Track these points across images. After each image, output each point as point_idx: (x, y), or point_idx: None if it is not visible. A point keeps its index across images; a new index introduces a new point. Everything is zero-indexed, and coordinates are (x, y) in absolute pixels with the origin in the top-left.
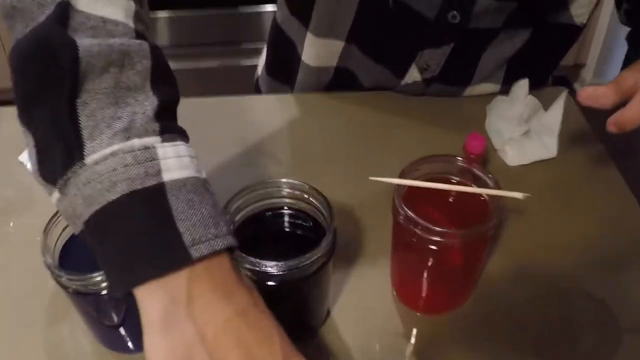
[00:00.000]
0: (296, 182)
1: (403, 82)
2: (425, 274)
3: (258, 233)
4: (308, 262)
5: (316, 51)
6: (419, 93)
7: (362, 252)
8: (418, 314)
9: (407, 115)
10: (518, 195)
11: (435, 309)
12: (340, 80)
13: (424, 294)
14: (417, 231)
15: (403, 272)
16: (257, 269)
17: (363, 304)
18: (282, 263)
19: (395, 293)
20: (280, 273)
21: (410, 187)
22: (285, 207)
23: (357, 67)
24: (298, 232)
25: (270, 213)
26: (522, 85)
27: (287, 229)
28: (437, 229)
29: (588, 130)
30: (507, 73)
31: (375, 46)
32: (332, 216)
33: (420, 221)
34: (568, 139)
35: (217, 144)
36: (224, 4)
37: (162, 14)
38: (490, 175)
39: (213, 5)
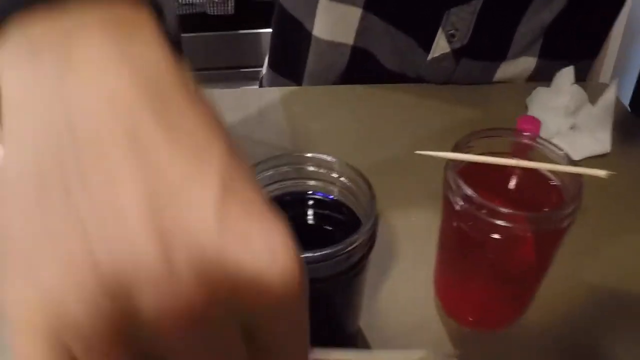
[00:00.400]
0: (325, 157)
1: (430, 57)
2: (480, 277)
3: None
4: (342, 254)
5: (330, 21)
6: (448, 73)
7: (397, 253)
8: (468, 329)
9: (430, 108)
10: (600, 173)
11: (490, 323)
12: (357, 65)
13: (477, 304)
14: (478, 214)
15: (452, 276)
16: None
17: (399, 317)
18: (306, 254)
19: (439, 303)
20: (307, 266)
21: (463, 169)
22: (310, 192)
23: (377, 44)
24: (325, 226)
25: (288, 198)
26: (566, 73)
27: (310, 221)
28: (505, 210)
29: (638, 123)
30: (545, 45)
31: (396, 10)
32: (373, 196)
33: (483, 201)
34: (618, 132)
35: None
36: (223, 27)
37: None
38: (563, 152)
39: (213, 29)
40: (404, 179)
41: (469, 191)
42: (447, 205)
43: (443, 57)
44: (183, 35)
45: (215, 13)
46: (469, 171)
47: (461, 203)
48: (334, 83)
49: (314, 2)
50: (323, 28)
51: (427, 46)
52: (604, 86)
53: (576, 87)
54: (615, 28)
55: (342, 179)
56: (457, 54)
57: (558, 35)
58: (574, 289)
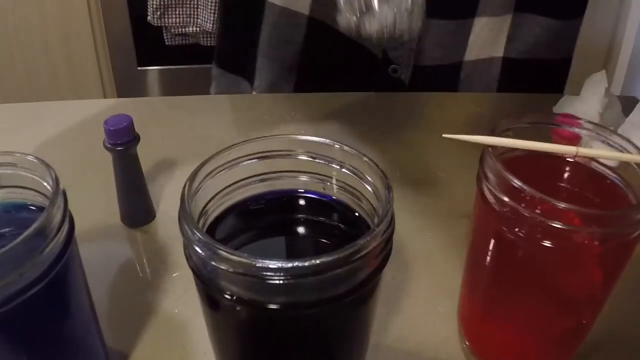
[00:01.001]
0: (322, 140)
1: None
2: (523, 306)
3: (249, 237)
4: (345, 266)
5: None
6: (414, 41)
7: (411, 281)
8: None
9: (434, 115)
10: None
11: None
12: (315, 41)
13: (516, 342)
14: (530, 214)
15: (483, 306)
16: (253, 275)
17: (412, 357)
18: (293, 265)
19: (466, 342)
20: (291, 282)
21: (503, 161)
22: (301, 191)
23: (332, 21)
24: (320, 236)
25: (272, 198)
26: (598, 79)
27: (299, 229)
28: (572, 207)
29: None
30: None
31: None
32: (388, 187)
33: (539, 194)
34: None
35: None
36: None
37: (152, 69)
38: (632, 143)
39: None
40: (415, 191)
41: (517, 182)
42: (483, 206)
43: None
44: (177, 67)
45: (209, 44)
46: (510, 165)
47: (505, 199)
48: (290, 66)
49: None
50: None
51: None
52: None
53: (610, 94)
54: (624, 44)
55: (344, 170)
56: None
57: None
58: (636, 325)
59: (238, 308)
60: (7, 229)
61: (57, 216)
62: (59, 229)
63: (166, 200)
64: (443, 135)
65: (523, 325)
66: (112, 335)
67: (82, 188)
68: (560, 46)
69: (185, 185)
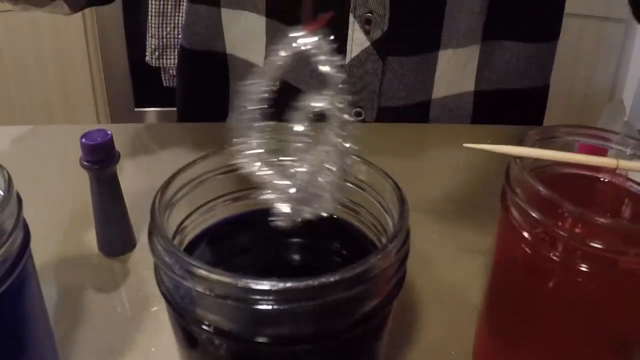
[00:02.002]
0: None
1: (348, 59)
2: (553, 348)
3: (234, 259)
4: (350, 290)
5: (239, 32)
6: (377, 84)
7: (418, 321)
8: None
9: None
10: None
11: None
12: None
13: None
14: (566, 232)
15: (505, 349)
16: (236, 299)
17: None
18: (294, 285)
19: None
20: (284, 309)
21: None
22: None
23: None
24: (319, 260)
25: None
26: (615, 108)
27: (294, 252)
28: (617, 222)
29: None
30: (488, 26)
31: (295, 5)
32: (402, 200)
33: (579, 210)
34: None
35: None
36: None
37: (149, 110)
38: None
39: None
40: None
41: (553, 195)
42: (509, 228)
43: (365, 56)
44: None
45: None
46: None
47: (536, 216)
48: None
49: (216, 19)
50: (234, 44)
51: (341, 43)
52: None
53: (629, 125)
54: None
55: (348, 184)
56: (381, 48)
57: (503, 10)
58: None
59: (218, 342)
60: None
61: (7, 222)
62: (9, 237)
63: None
64: (464, 144)
65: None
66: None
67: (57, 213)
68: (535, 73)
69: (156, 195)
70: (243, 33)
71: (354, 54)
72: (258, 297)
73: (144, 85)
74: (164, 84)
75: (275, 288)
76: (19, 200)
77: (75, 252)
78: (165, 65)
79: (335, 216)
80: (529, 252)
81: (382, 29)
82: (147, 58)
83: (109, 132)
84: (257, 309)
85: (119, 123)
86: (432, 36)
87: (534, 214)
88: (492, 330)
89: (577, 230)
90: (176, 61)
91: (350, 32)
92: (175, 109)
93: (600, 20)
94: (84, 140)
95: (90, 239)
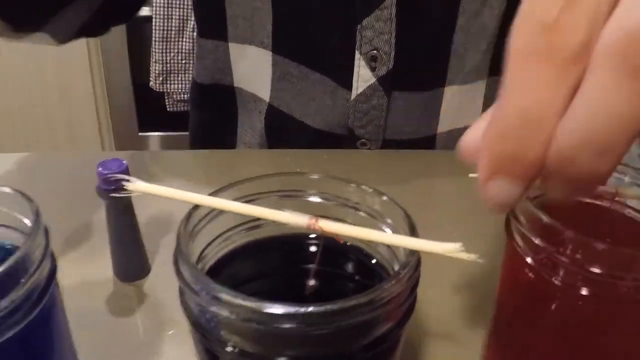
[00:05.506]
0: (336, 179)
1: (354, 95)
2: None
3: (254, 284)
4: (364, 314)
5: (247, 66)
6: (381, 118)
7: (426, 345)
8: None
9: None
10: None
11: None
12: (275, 129)
13: None
14: (567, 258)
15: None
16: (260, 323)
17: None
18: (316, 309)
19: None
20: (306, 331)
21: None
22: (312, 235)
23: (296, 99)
24: (335, 286)
25: (279, 243)
26: None
27: (311, 279)
28: (622, 251)
29: None
30: (495, 62)
31: (303, 41)
32: (414, 231)
33: (578, 236)
34: None
35: None
36: None
37: (153, 134)
38: None
39: None
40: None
41: (555, 224)
42: (513, 256)
43: (370, 92)
44: (178, 133)
45: None
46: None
47: (539, 243)
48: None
49: (224, 53)
50: (241, 77)
51: (346, 80)
52: None
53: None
54: None
55: (360, 212)
56: (387, 85)
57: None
58: None
59: None
60: None
61: (36, 253)
62: (37, 267)
63: (162, 255)
64: (470, 175)
65: None
66: None
67: (72, 240)
68: None
69: (181, 225)
70: (250, 67)
71: (360, 90)
72: (281, 320)
73: (148, 110)
74: (168, 109)
75: (298, 312)
76: (47, 233)
77: (90, 278)
78: (169, 90)
79: (348, 243)
80: (532, 277)
81: (388, 66)
82: (151, 83)
83: (124, 162)
84: (280, 331)
85: (123, 147)
86: (438, 73)
87: (536, 241)
88: (498, 349)
89: (577, 255)
90: (181, 86)
91: (356, 69)
92: (179, 133)
93: None
94: (100, 169)
95: (106, 264)
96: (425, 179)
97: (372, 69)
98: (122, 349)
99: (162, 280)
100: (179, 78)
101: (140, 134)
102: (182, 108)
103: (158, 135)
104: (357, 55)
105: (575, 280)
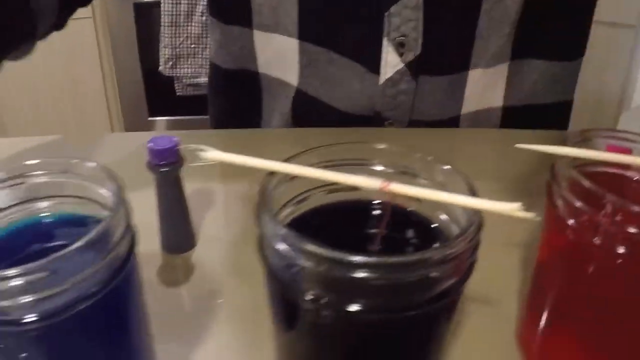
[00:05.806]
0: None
1: (382, 80)
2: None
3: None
4: (435, 267)
5: (271, 52)
6: (409, 102)
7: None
8: None
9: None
10: None
11: None
12: (303, 112)
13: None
14: (607, 222)
15: (547, 325)
16: (342, 272)
17: None
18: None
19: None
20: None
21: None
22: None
23: (324, 83)
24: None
25: (347, 209)
26: (632, 116)
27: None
28: None
29: None
30: (517, 45)
31: (331, 28)
32: (473, 191)
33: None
34: None
35: None
36: None
37: (163, 119)
38: None
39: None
40: None
41: (597, 189)
42: (554, 218)
43: (398, 77)
44: (188, 117)
45: None
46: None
47: (581, 206)
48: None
49: (249, 40)
50: (267, 64)
51: (375, 65)
52: None
53: None
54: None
55: (423, 180)
56: (414, 69)
57: (531, 30)
58: None
59: (319, 311)
60: (58, 242)
61: (119, 227)
62: (119, 240)
63: (206, 227)
64: (516, 145)
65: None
66: None
67: None
68: (561, 89)
69: (263, 182)
70: (276, 54)
71: (388, 75)
72: (362, 269)
73: (158, 95)
74: (178, 93)
75: (380, 262)
76: (128, 206)
77: (139, 251)
78: (178, 75)
79: (416, 210)
80: (573, 238)
81: (415, 51)
82: (160, 68)
83: (174, 138)
84: (358, 280)
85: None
86: (463, 57)
87: (577, 204)
88: (535, 314)
89: (617, 218)
90: (190, 70)
91: (384, 55)
92: (189, 117)
93: (609, 26)
94: (151, 144)
95: (152, 239)
96: (457, 153)
97: (400, 54)
98: (174, 317)
99: (209, 252)
100: (189, 62)
101: (150, 118)
102: (191, 92)
103: (168, 120)
104: (385, 41)
105: (615, 240)
